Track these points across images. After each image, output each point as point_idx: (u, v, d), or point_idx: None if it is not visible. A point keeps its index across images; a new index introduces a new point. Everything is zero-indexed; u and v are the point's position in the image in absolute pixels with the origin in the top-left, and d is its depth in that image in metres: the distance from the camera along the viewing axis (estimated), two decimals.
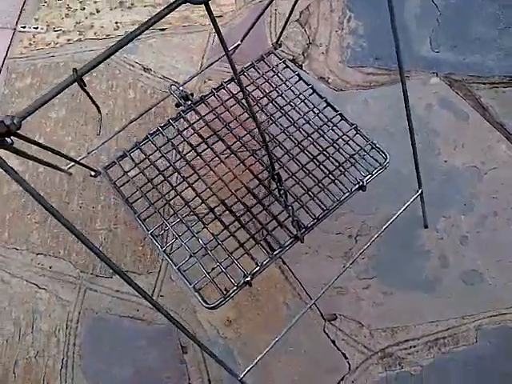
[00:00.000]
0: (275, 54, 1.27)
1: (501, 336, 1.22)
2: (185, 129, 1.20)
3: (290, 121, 1.17)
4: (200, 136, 1.16)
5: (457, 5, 1.67)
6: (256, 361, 1.14)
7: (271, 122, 1.17)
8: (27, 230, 1.45)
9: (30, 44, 1.69)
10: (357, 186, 1.08)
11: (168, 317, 0.87)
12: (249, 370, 1.12)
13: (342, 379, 1.23)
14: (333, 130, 1.15)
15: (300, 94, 1.20)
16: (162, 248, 1.05)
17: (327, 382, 1.23)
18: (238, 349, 1.27)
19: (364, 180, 1.08)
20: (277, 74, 1.25)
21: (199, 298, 0.99)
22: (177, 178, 1.14)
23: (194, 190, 1.09)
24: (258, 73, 1.24)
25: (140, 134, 1.51)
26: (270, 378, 1.24)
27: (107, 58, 0.71)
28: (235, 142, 1.15)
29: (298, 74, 1.23)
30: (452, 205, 1.38)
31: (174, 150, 1.16)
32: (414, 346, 1.24)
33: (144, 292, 0.81)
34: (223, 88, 1.23)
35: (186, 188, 1.10)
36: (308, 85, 1.21)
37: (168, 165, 1.13)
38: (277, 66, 1.26)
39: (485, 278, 1.29)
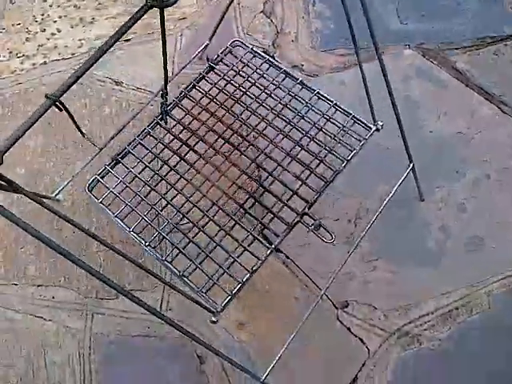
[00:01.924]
0: (242, 43, 1.25)
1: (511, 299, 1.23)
2: (164, 135, 1.18)
3: (267, 108, 1.15)
4: (180, 140, 1.14)
5: None
6: (275, 361, 1.13)
7: (249, 113, 1.16)
8: (23, 263, 1.42)
9: None
10: (344, 163, 1.08)
11: (181, 330, 0.86)
12: (269, 372, 1.12)
13: (363, 365, 1.23)
14: (312, 110, 1.14)
15: (273, 80, 1.18)
16: (162, 258, 1.03)
17: (349, 370, 1.23)
18: (254, 351, 1.27)
19: (349, 157, 1.08)
20: (247, 65, 1.22)
21: (206, 302, 0.98)
22: (165, 186, 1.12)
23: (183, 195, 1.08)
24: (227, 66, 1.22)
25: (122, 148, 1.48)
26: (290, 375, 1.24)
27: (80, 77, 0.69)
28: (217, 140, 1.13)
29: (268, 60, 1.21)
30: (444, 174, 1.38)
31: (156, 159, 1.14)
32: (429, 321, 1.25)
33: (154, 309, 0.80)
34: (194, 87, 1.21)
35: (175, 196, 1.08)
36: (280, 69, 1.19)
37: (152, 174, 1.11)
38: (245, 55, 1.23)
39: (487, 242, 1.30)
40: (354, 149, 1.10)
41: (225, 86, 1.19)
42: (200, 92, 1.20)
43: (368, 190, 1.38)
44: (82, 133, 0.87)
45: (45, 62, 1.64)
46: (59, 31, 1.68)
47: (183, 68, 1.42)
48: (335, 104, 1.15)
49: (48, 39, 1.67)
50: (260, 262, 1.00)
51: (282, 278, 1.33)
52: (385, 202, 1.19)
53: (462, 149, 1.40)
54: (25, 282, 1.40)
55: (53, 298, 1.38)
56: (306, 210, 1.04)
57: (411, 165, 1.22)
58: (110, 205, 1.09)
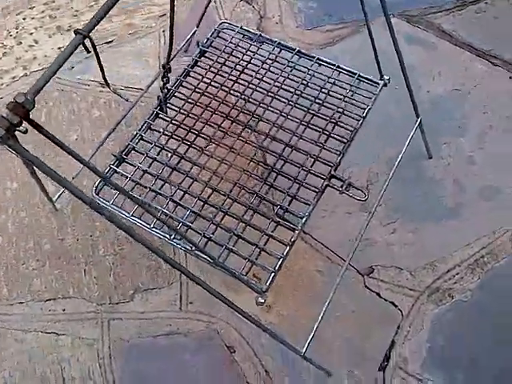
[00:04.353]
0: (230, 24, 1.22)
1: None
2: (167, 126, 1.12)
3: (269, 83, 1.12)
4: (185, 127, 1.09)
5: None
6: (312, 333, 1.08)
7: (252, 90, 1.12)
8: (27, 279, 1.34)
9: None
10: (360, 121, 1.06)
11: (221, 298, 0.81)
12: (309, 344, 1.07)
13: (398, 327, 1.19)
14: (315, 76, 1.12)
15: (270, 53, 1.16)
16: (191, 248, 0.97)
17: (385, 335, 1.19)
18: (286, 331, 1.21)
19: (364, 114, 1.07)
20: (238, 45, 1.19)
21: (249, 283, 0.93)
22: (177, 177, 1.06)
23: (200, 182, 1.02)
24: (218, 49, 1.19)
25: (117, 148, 1.44)
26: (327, 346, 1.19)
27: (108, 11, 0.64)
28: (223, 121, 1.09)
29: (260, 36, 1.18)
30: (448, 131, 1.38)
31: (163, 150, 1.09)
32: (458, 274, 1.23)
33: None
34: (189, 74, 1.17)
35: (191, 184, 1.03)
36: (274, 42, 1.17)
37: (162, 166, 1.05)
38: (235, 35, 1.21)
39: (501, 189, 1.30)
40: (367, 105, 1.08)
41: (221, 67, 1.16)
42: (195, 78, 1.16)
43: (375, 154, 1.37)
44: (107, 84, 0.82)
45: (25, 74, 1.60)
46: (37, 42, 1.64)
47: (178, 51, 1.37)
48: (338, 66, 1.13)
49: (26, 51, 1.63)
50: (297, 231, 0.96)
51: (301, 254, 1.29)
52: (396, 163, 1.17)
53: (461, 104, 1.41)
54: (31, 299, 1.32)
55: (63, 310, 1.31)
56: (333, 172, 1.01)
57: (419, 120, 1.21)
58: (122, 205, 1.02)
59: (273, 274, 0.94)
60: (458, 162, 1.34)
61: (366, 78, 1.12)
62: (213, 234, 0.98)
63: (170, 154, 1.08)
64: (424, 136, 1.28)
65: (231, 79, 1.14)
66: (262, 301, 0.93)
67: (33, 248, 1.38)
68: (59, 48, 1.62)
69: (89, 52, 0.63)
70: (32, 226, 1.40)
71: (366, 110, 1.07)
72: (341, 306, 1.21)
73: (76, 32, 0.58)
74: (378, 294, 1.23)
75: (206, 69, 1.17)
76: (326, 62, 1.15)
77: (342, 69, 1.13)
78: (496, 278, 1.20)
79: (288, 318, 1.23)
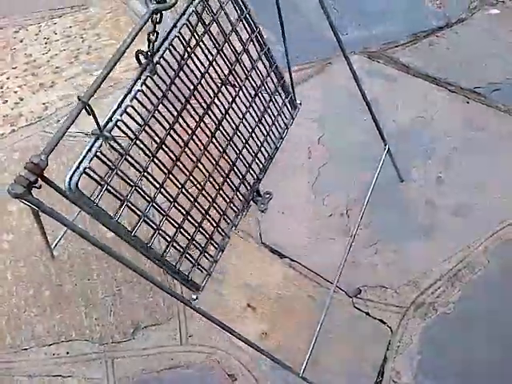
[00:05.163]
0: None
1: (506, 249, 1.33)
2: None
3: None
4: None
5: None
6: (308, 355, 1.15)
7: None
8: (29, 326, 1.38)
9: None
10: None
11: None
12: (306, 366, 1.14)
13: (389, 343, 1.27)
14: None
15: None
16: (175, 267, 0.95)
17: (377, 351, 1.27)
18: (283, 355, 1.27)
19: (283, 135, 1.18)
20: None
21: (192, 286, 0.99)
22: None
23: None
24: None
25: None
26: (322, 367, 1.26)
27: (106, 77, 0.73)
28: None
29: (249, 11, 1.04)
30: (416, 155, 1.50)
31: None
32: (439, 288, 1.32)
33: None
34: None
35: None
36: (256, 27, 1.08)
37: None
38: None
39: (471, 205, 1.41)
40: (287, 127, 1.18)
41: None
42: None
43: (351, 183, 1.47)
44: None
45: (13, 130, 1.67)
46: (22, 99, 1.72)
47: None
48: (284, 81, 1.18)
49: (12, 109, 1.70)
50: (227, 239, 1.04)
51: (292, 281, 1.37)
52: (370, 188, 1.28)
53: (426, 130, 1.53)
54: (35, 345, 1.36)
55: (67, 353, 1.35)
56: (257, 186, 1.13)
57: (387, 147, 1.32)
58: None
59: (208, 276, 1.01)
60: (428, 183, 1.45)
61: (293, 100, 1.20)
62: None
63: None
64: (394, 161, 1.38)
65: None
66: (194, 297, 0.99)
67: (33, 295, 1.42)
68: (44, 104, 1.70)
69: (89, 114, 0.71)
70: (31, 275, 1.44)
71: (286, 131, 1.17)
72: (333, 328, 1.29)
73: (79, 99, 0.66)
74: (367, 313, 1.31)
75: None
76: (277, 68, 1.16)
77: (284, 82, 1.18)
78: (475, 289, 1.30)
79: (285, 342, 1.30)
